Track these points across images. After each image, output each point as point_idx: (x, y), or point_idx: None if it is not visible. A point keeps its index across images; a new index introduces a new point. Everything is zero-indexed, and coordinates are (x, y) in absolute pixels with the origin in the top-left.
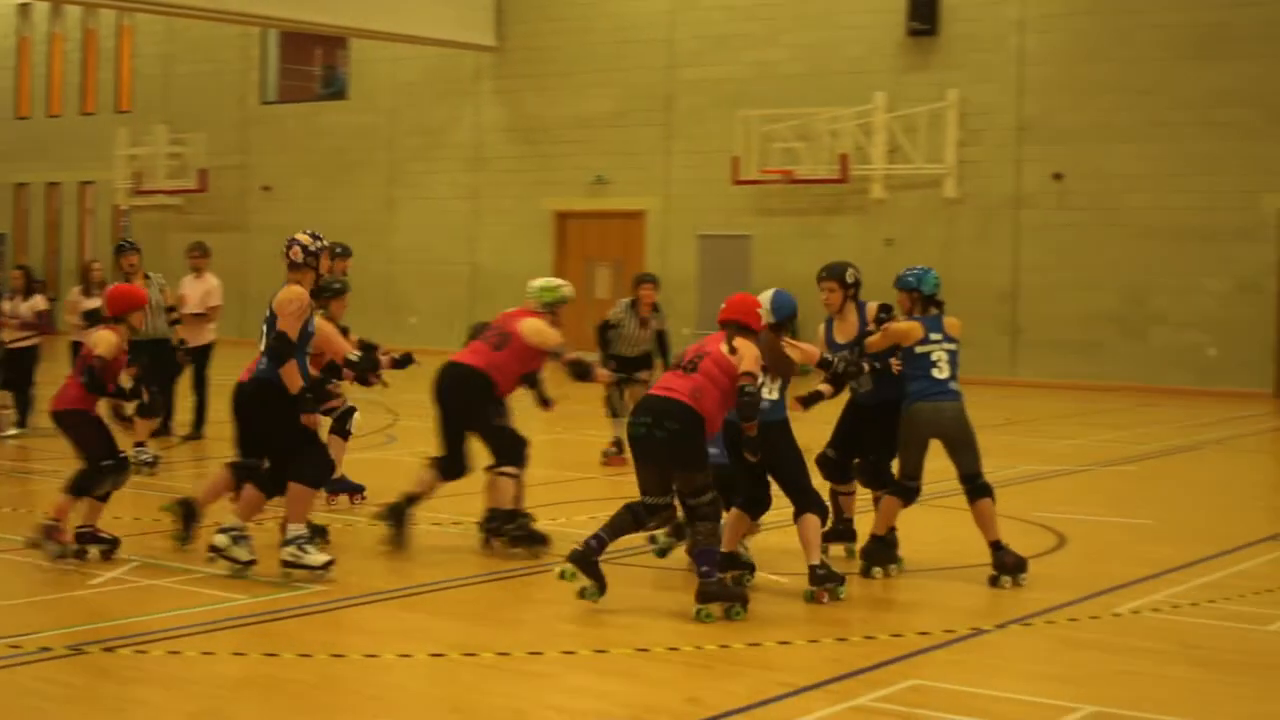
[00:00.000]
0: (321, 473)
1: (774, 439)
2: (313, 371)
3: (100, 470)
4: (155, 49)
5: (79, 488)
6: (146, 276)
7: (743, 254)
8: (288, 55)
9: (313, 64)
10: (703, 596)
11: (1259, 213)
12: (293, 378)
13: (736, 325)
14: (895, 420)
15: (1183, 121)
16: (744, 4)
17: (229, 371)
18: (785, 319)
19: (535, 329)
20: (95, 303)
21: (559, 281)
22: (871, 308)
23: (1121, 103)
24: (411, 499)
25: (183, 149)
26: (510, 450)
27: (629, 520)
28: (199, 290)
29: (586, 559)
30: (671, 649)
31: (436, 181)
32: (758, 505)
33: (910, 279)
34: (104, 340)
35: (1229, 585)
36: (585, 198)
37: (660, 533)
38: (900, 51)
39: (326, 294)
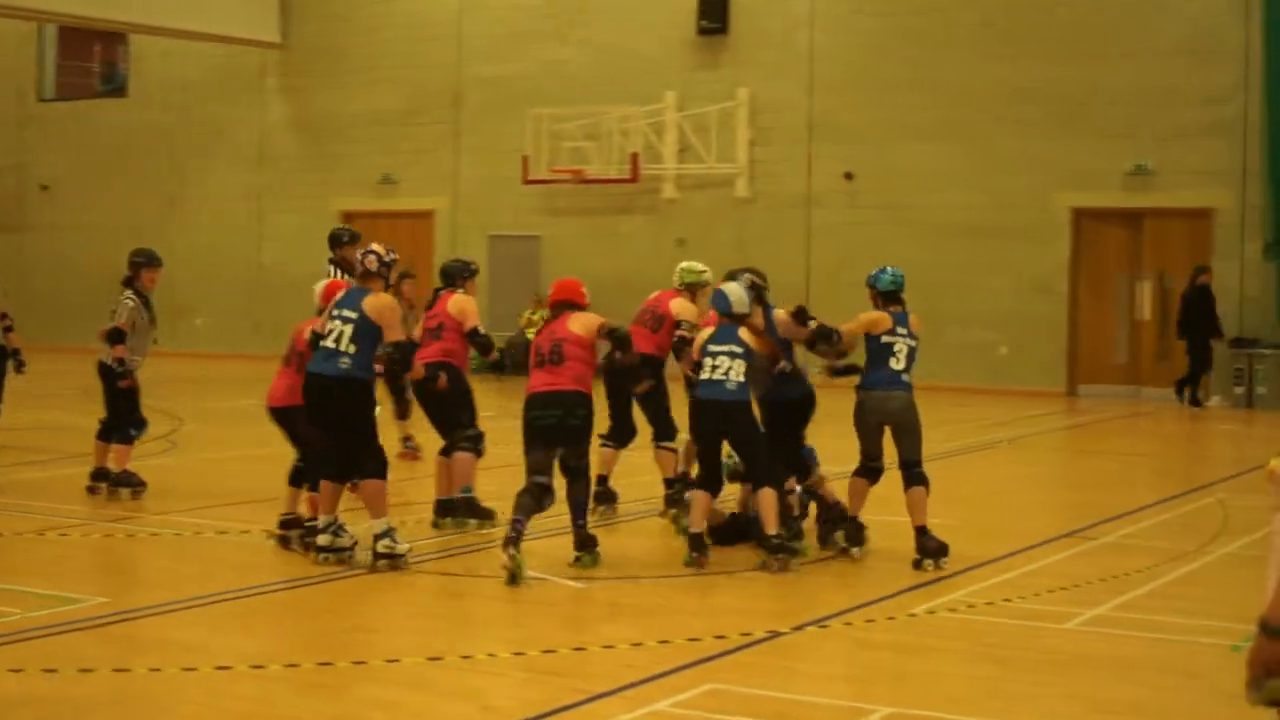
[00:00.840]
0: (385, 464)
1: (739, 418)
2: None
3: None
4: None
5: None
6: None
7: (533, 254)
8: (66, 51)
9: (92, 60)
10: (581, 544)
11: (1050, 212)
12: (417, 370)
13: (570, 304)
14: (792, 416)
15: (973, 120)
16: (534, 2)
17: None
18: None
19: (681, 305)
20: None
21: (702, 266)
22: (780, 313)
23: (911, 101)
24: (602, 479)
25: None
26: (670, 427)
27: (532, 502)
28: None
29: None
30: (464, 657)
31: (220, 181)
32: (716, 484)
33: (869, 278)
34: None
35: (1024, 584)
36: (373, 197)
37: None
38: (690, 50)
39: (465, 275)
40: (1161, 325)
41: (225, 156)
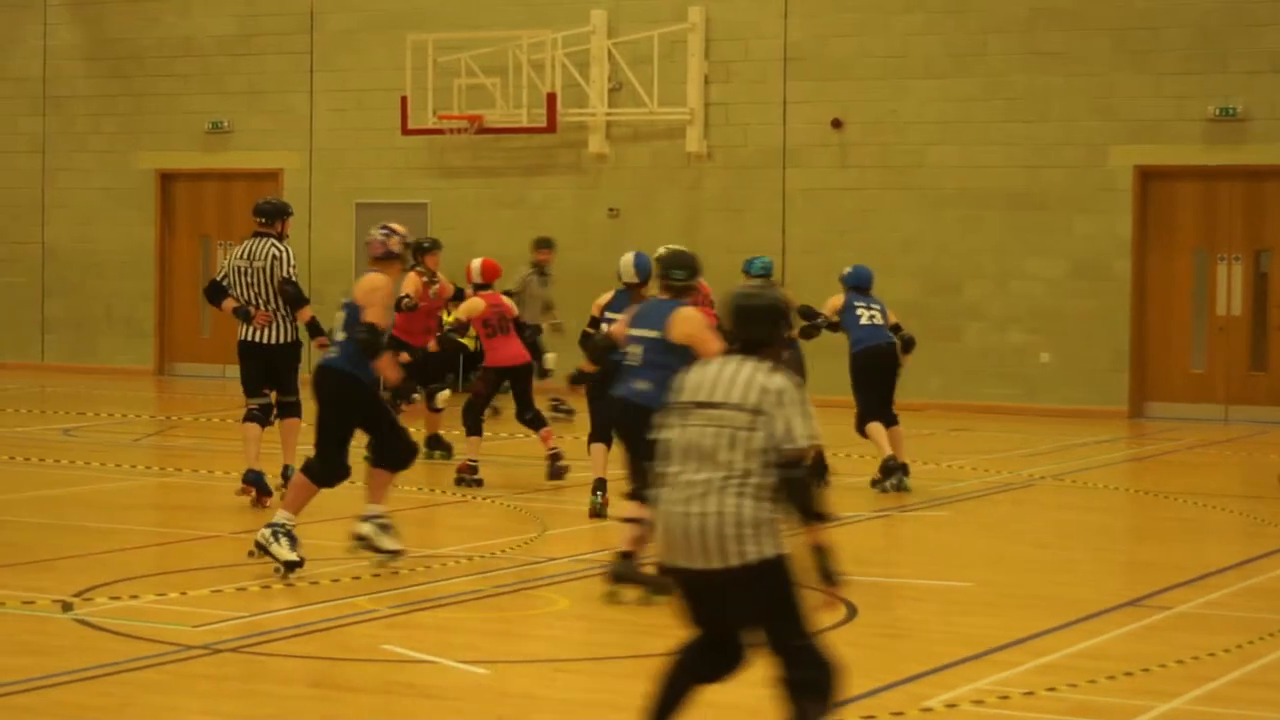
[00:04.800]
0: (405, 456)
1: None
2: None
3: None
4: None
5: None
6: None
7: (418, 227)
8: None
9: None
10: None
11: (1106, 171)
12: (385, 363)
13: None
14: None
15: (1002, 51)
16: None
17: None
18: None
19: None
20: None
21: None
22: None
23: (919, 25)
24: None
25: None
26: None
27: None
28: None
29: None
30: None
31: None
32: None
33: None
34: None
35: (1075, 668)
36: (198, 152)
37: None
38: None
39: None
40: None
41: None
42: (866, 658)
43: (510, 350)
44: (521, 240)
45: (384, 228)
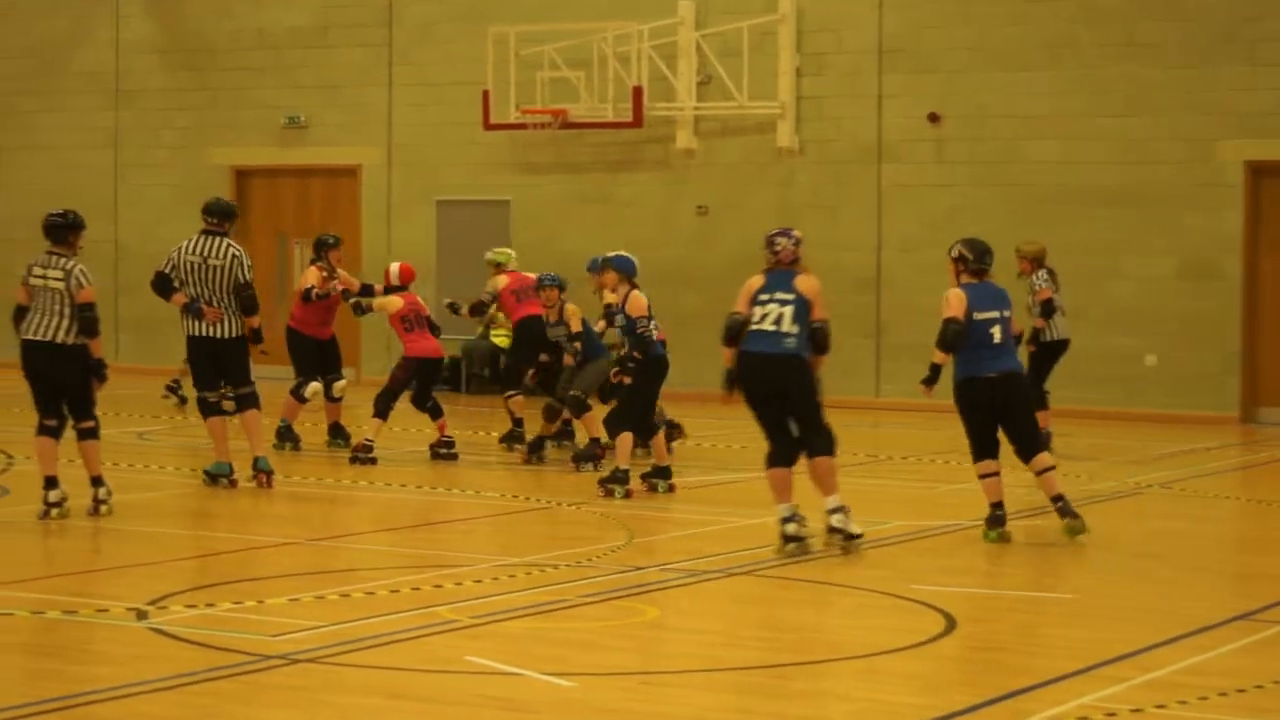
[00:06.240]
0: (833, 441)
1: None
2: None
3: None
4: None
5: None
6: None
7: (499, 225)
8: None
9: None
10: None
11: (1214, 166)
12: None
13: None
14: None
15: (1106, 41)
16: None
17: None
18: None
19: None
20: None
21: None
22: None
23: (1017, 14)
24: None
25: None
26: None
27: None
28: None
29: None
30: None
31: (58, 124)
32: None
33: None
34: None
35: (1185, 684)
36: (274, 148)
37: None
38: None
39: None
40: None
41: (65, 91)
42: (967, 671)
43: (426, 344)
44: (606, 238)
45: (790, 235)
